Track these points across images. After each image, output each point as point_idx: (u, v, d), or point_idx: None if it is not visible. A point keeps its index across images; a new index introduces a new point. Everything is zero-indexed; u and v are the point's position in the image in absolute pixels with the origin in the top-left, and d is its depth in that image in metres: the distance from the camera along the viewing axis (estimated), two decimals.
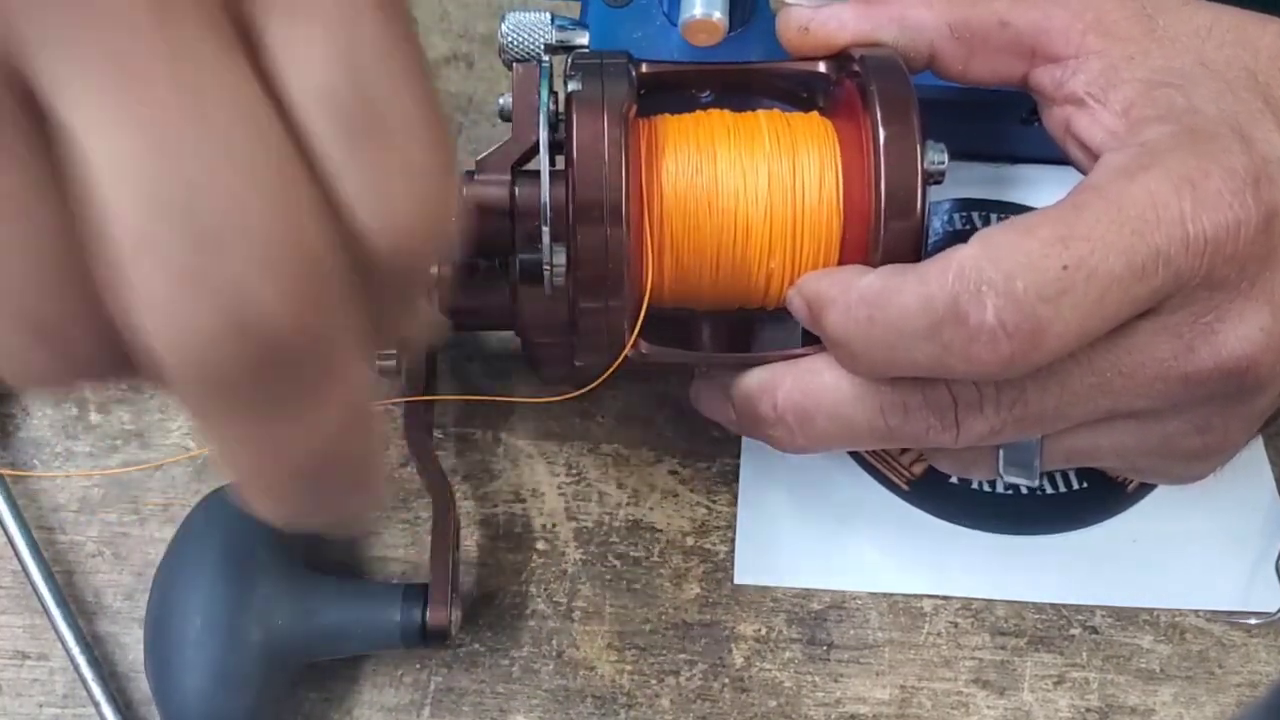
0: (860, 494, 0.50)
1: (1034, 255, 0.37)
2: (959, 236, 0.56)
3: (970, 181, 0.58)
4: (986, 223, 0.57)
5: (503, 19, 0.45)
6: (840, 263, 0.43)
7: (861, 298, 0.39)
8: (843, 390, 0.41)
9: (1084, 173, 0.43)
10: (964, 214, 0.57)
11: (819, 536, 0.49)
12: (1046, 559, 0.49)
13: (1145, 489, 0.50)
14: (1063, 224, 0.37)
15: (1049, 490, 0.50)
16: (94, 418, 0.50)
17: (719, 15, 0.45)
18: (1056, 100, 0.44)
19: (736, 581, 0.48)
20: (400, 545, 0.48)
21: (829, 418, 0.42)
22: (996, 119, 0.56)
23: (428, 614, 0.42)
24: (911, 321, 0.38)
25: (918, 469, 0.50)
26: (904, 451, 0.51)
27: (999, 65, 0.44)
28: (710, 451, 0.51)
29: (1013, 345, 0.36)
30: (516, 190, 0.44)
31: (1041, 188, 0.58)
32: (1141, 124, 0.40)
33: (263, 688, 0.41)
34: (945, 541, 0.49)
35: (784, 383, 0.42)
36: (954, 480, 0.50)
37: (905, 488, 0.50)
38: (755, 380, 0.43)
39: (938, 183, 0.42)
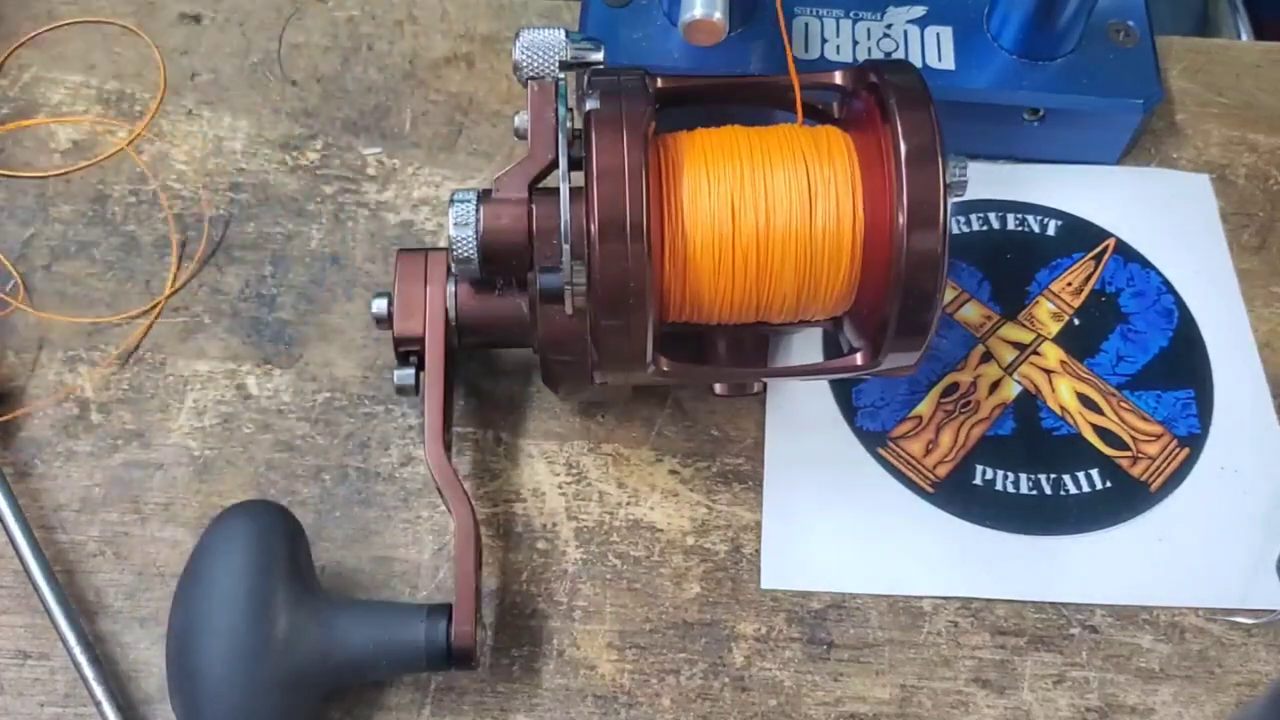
0: (884, 497, 0.50)
1: None
2: (974, 239, 0.56)
3: (976, 182, 0.57)
4: (1003, 223, 0.57)
5: (517, 36, 0.45)
6: (861, 275, 0.43)
7: None
8: None
9: None
10: (970, 215, 0.57)
11: (844, 540, 0.49)
12: (1054, 559, 0.49)
13: (1169, 488, 0.50)
14: None
15: (1073, 490, 0.50)
16: (95, 417, 0.51)
17: (719, 16, 0.45)
18: None
19: (763, 586, 0.48)
20: (401, 545, 0.48)
21: None
22: (999, 118, 0.56)
23: (454, 635, 0.42)
24: None
25: (942, 471, 0.50)
26: (928, 453, 0.51)
27: None
28: (710, 451, 0.51)
29: None
30: (534, 209, 0.44)
31: (1047, 186, 0.58)
32: None
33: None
34: (972, 543, 0.49)
35: None
36: (978, 481, 0.50)
37: (930, 490, 0.50)
38: None
39: (959, 195, 0.42)
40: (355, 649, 0.42)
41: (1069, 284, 0.55)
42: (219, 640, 0.40)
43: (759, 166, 0.43)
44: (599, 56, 0.45)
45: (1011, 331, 0.54)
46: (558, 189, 0.42)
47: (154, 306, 0.53)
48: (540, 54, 0.45)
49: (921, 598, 0.48)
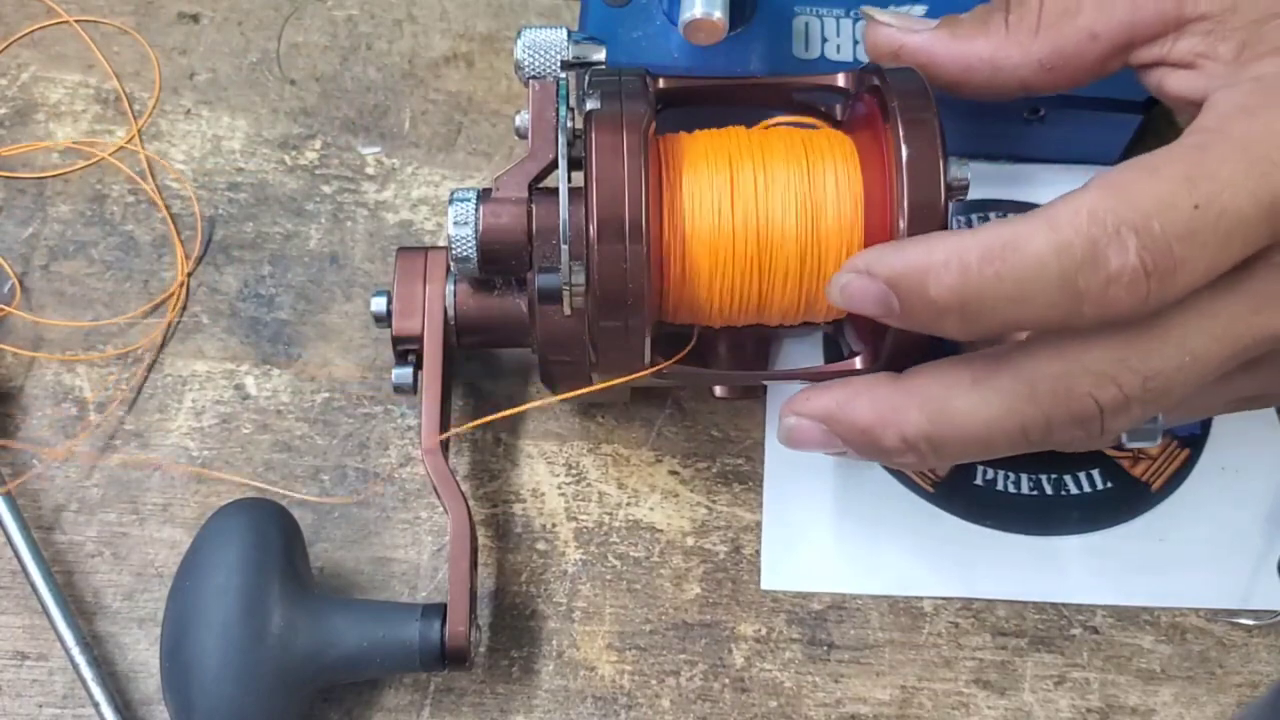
0: (885, 497, 0.50)
1: (1164, 195, 0.36)
2: None
3: (976, 182, 0.57)
4: None
5: (518, 35, 0.45)
6: None
7: (985, 254, 0.36)
8: (978, 416, 0.39)
9: (1181, 118, 0.42)
10: (971, 216, 0.57)
11: (845, 540, 0.49)
12: (1055, 559, 0.49)
13: (1170, 488, 0.50)
14: (1187, 163, 0.36)
15: (1074, 490, 0.50)
16: (93, 417, 0.50)
17: (719, 15, 0.45)
18: (1158, 66, 0.42)
19: (763, 586, 0.48)
20: (400, 546, 0.48)
21: (965, 443, 0.40)
22: (999, 118, 0.56)
23: (447, 635, 0.42)
24: (1045, 270, 0.35)
25: (942, 470, 0.50)
26: None
27: (1093, 72, 0.44)
28: (710, 451, 0.51)
29: (1150, 285, 0.35)
30: (534, 208, 0.44)
31: (1047, 186, 0.58)
32: (1254, 60, 0.39)
33: (280, 717, 0.41)
34: (973, 544, 0.49)
35: (908, 415, 0.40)
36: (979, 481, 0.50)
37: (930, 489, 0.50)
38: (868, 414, 0.41)
39: (961, 199, 0.42)
40: (349, 647, 0.42)
41: None
42: (212, 634, 0.40)
43: (759, 168, 0.43)
44: (600, 56, 0.45)
45: None
46: (558, 189, 0.42)
47: (157, 308, 0.53)
48: (542, 53, 0.44)
49: (922, 598, 0.48)
